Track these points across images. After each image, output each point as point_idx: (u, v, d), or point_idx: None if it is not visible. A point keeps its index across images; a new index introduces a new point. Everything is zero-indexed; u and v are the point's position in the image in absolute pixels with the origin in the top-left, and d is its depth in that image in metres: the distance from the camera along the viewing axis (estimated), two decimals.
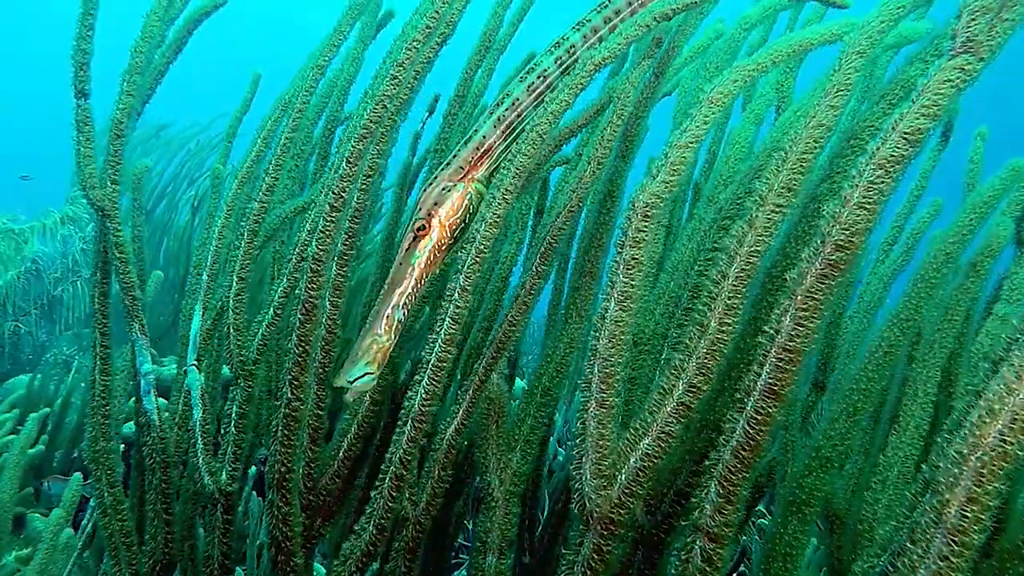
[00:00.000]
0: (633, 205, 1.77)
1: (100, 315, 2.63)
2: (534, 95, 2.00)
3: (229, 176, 2.82)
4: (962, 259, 2.47)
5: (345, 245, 2.11)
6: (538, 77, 2.01)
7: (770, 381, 1.58)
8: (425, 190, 1.98)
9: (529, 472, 2.36)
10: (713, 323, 1.72)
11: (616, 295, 1.75)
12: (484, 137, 1.97)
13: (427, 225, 1.88)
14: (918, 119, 1.55)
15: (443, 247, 1.90)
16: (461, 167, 1.96)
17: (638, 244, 1.75)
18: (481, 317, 2.73)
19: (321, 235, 2.06)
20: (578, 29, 2.05)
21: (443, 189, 1.93)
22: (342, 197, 2.04)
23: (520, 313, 2.17)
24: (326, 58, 2.60)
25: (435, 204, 1.92)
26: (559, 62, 2.02)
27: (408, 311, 1.85)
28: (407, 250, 1.87)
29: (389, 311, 1.81)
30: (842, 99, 1.79)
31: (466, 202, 1.93)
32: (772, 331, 1.58)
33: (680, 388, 1.71)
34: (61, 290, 9.92)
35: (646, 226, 1.76)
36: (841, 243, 1.54)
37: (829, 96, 1.77)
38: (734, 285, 1.71)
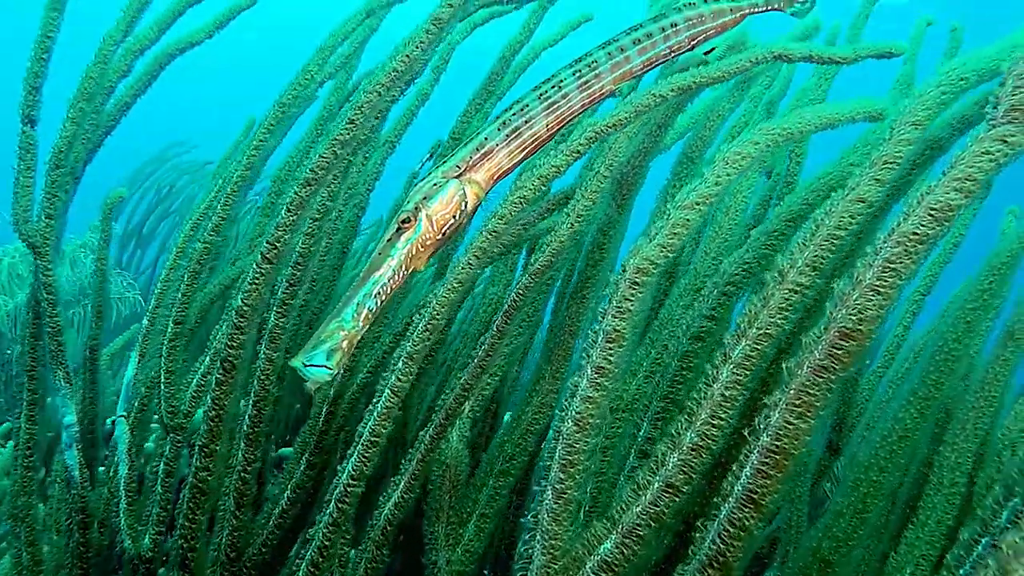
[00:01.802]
0: (623, 269, 1.54)
1: (29, 359, 2.37)
2: (545, 104, 1.89)
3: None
4: (992, 326, 2.25)
5: (286, 294, 1.88)
6: (553, 87, 1.90)
7: (749, 487, 1.34)
8: (416, 184, 1.87)
9: (482, 550, 2.10)
10: (704, 413, 1.47)
11: (590, 370, 1.51)
12: (486, 139, 1.85)
13: (412, 218, 1.75)
14: (949, 194, 1.33)
15: (428, 243, 1.76)
16: (458, 166, 1.84)
17: (622, 315, 1.52)
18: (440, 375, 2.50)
19: (249, 288, 1.81)
20: (604, 47, 1.97)
21: (435, 184, 1.81)
22: (276, 247, 1.80)
23: (475, 377, 1.92)
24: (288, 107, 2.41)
25: (425, 198, 1.78)
26: (577, 75, 1.92)
27: (382, 303, 1.69)
28: (389, 241, 1.74)
29: (361, 299, 1.65)
30: (890, 173, 1.57)
31: (457, 199, 1.80)
32: (758, 428, 1.34)
33: (656, 486, 1.46)
34: (72, 313, 9.76)
35: (634, 295, 1.53)
36: (847, 331, 1.30)
37: (876, 167, 1.55)
38: (735, 372, 1.47)
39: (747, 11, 2.25)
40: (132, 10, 2.37)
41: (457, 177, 1.82)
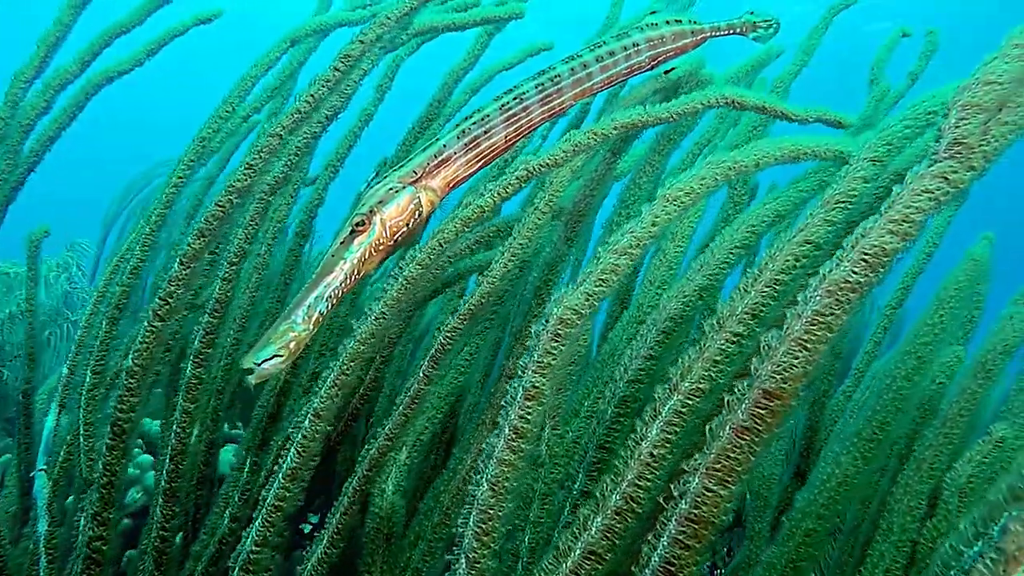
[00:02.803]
0: (545, 321, 1.43)
1: None
2: (506, 115, 1.88)
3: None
4: (963, 357, 2.14)
5: (203, 343, 1.78)
6: (514, 99, 1.90)
7: (667, 559, 1.24)
8: (371, 187, 1.84)
9: None
10: (631, 473, 1.37)
11: (507, 431, 1.40)
12: (444, 146, 1.83)
13: (366, 221, 1.72)
14: (884, 237, 1.22)
15: (380, 248, 1.73)
16: (414, 171, 1.82)
17: (543, 370, 1.41)
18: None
19: (140, 347, 1.70)
20: (567, 62, 1.97)
21: (390, 189, 1.78)
22: (168, 303, 1.69)
23: (400, 426, 1.81)
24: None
25: (380, 203, 1.76)
26: (539, 88, 1.92)
27: (332, 306, 1.66)
28: (342, 243, 1.71)
29: (311, 300, 1.62)
30: (841, 213, 1.48)
31: (412, 206, 1.78)
32: (676, 494, 1.24)
33: (578, 552, 1.35)
34: (48, 334, 9.64)
35: (556, 347, 1.42)
36: (771, 390, 1.20)
37: (826, 207, 1.46)
38: (665, 430, 1.37)
39: (708, 34, 2.27)
40: (45, 47, 2.27)
41: (413, 183, 1.80)
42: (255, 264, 2.27)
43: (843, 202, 1.49)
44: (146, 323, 1.71)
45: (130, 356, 1.72)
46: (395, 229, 1.75)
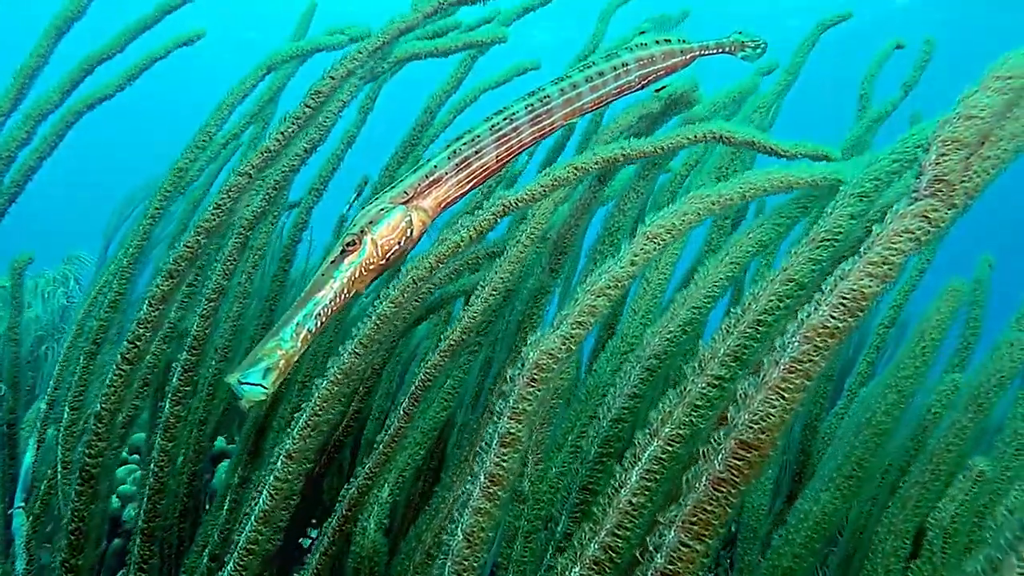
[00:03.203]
0: (521, 365, 1.40)
1: None
2: (496, 136, 1.89)
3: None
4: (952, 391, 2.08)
5: (181, 381, 1.74)
6: (504, 119, 1.90)
7: None
8: (363, 208, 1.84)
9: None
10: (609, 522, 1.34)
11: (483, 478, 1.37)
12: (435, 167, 1.84)
13: (357, 241, 1.73)
14: (863, 280, 1.19)
15: (371, 267, 1.73)
16: (406, 192, 1.82)
17: (519, 416, 1.37)
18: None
19: (108, 391, 1.67)
20: (557, 83, 1.97)
21: (381, 209, 1.79)
22: (137, 345, 1.66)
23: (380, 464, 1.78)
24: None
25: (370, 222, 1.76)
26: (529, 109, 1.92)
27: (322, 324, 1.64)
28: (332, 262, 1.71)
29: (301, 319, 1.61)
30: (827, 251, 1.44)
31: (403, 225, 1.78)
32: (651, 548, 1.21)
33: None
34: (44, 348, 9.64)
35: (533, 393, 1.38)
36: (748, 441, 1.16)
37: (811, 245, 1.42)
38: (645, 477, 1.34)
39: (697, 53, 2.27)
40: (21, 78, 2.24)
41: (405, 203, 1.80)
42: (236, 293, 2.23)
43: (828, 240, 1.46)
44: (114, 367, 1.68)
45: (99, 400, 1.69)
46: (386, 248, 1.74)
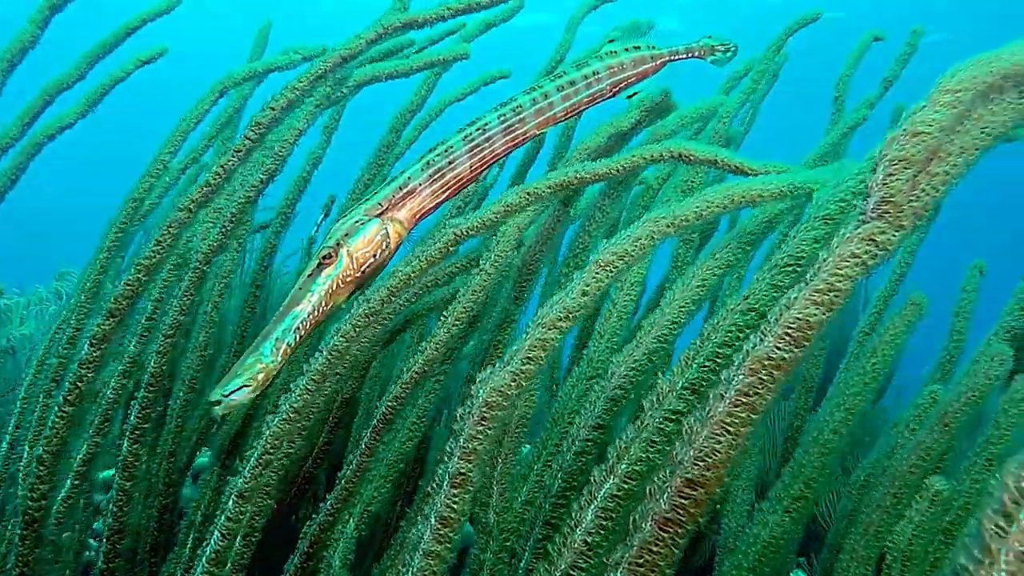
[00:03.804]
0: (470, 404, 1.36)
1: None
2: (469, 146, 1.90)
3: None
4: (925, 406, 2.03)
5: (139, 418, 1.71)
6: (477, 130, 1.92)
7: None
8: (338, 221, 1.85)
9: None
10: (563, 562, 1.31)
11: (433, 520, 1.33)
12: (409, 179, 1.85)
13: (333, 254, 1.73)
14: (808, 309, 1.15)
15: (348, 280, 1.74)
16: (380, 204, 1.83)
17: (469, 456, 1.34)
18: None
19: (51, 433, 1.63)
20: (528, 92, 1.99)
21: (357, 221, 1.80)
22: (79, 387, 1.62)
23: (342, 501, 1.74)
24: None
25: (346, 235, 1.77)
26: (502, 119, 1.94)
27: (301, 338, 1.65)
28: (309, 276, 1.72)
29: (280, 333, 1.62)
30: (789, 277, 1.41)
31: (379, 238, 1.79)
32: None
33: None
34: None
35: (483, 432, 1.35)
36: (694, 479, 1.12)
37: (772, 271, 1.39)
38: (600, 516, 1.30)
39: (667, 59, 2.27)
40: None
41: (379, 215, 1.80)
42: (203, 323, 2.20)
43: (791, 265, 1.43)
44: (56, 408, 1.65)
45: (40, 444, 1.65)
46: (362, 260, 1.74)
